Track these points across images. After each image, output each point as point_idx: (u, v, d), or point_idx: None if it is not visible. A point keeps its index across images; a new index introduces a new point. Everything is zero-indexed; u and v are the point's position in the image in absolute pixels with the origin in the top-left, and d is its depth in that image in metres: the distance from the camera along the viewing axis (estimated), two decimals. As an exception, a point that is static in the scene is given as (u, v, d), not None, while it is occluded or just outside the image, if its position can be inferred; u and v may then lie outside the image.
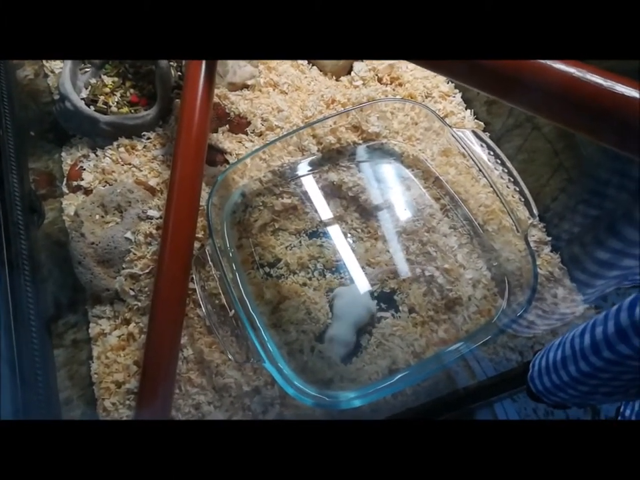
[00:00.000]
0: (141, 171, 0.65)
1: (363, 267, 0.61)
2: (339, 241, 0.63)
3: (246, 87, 0.73)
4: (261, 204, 0.64)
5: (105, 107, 0.68)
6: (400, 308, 0.59)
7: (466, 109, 0.72)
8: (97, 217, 0.59)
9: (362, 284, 0.60)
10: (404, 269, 0.61)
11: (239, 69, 0.71)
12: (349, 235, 0.64)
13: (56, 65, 0.76)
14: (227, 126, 0.69)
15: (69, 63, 0.67)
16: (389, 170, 0.67)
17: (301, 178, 0.66)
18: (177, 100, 0.70)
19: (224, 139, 0.68)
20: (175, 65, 0.72)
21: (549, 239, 0.62)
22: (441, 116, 0.66)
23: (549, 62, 0.33)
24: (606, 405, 0.55)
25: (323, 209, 0.65)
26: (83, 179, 0.65)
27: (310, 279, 0.61)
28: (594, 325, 0.28)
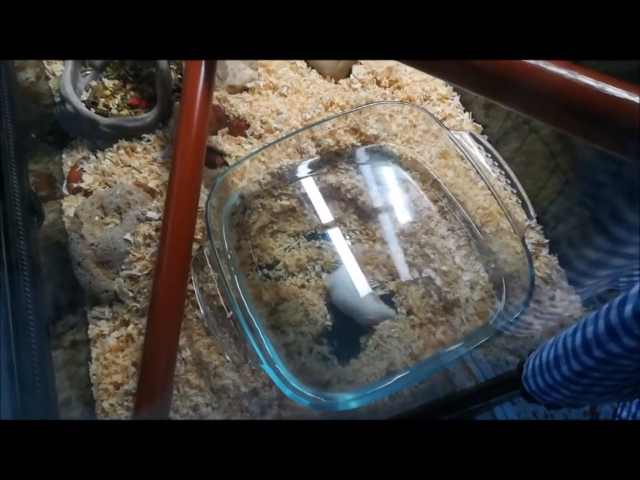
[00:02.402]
0: (141, 172, 0.65)
1: (361, 269, 0.61)
2: (338, 242, 0.63)
3: (245, 89, 0.73)
4: (259, 206, 0.65)
5: (106, 109, 0.69)
6: (398, 310, 0.59)
7: (464, 112, 0.72)
8: (97, 218, 0.59)
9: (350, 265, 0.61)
10: (402, 271, 0.61)
11: (238, 71, 0.72)
12: (347, 237, 0.64)
13: (57, 68, 0.76)
14: (227, 128, 0.69)
15: (69, 65, 0.67)
16: (387, 172, 0.68)
17: (300, 180, 0.67)
18: (177, 102, 0.70)
19: (223, 141, 0.68)
20: (175, 67, 0.73)
21: (547, 241, 0.62)
22: (439, 119, 0.66)
23: (541, 63, 0.33)
24: (604, 407, 0.55)
25: (322, 211, 0.65)
26: (82, 181, 0.65)
27: (308, 280, 0.61)
28: (585, 324, 0.29)
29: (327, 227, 0.64)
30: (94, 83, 0.71)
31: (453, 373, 0.57)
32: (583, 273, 0.53)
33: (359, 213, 0.65)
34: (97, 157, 0.68)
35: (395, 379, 0.50)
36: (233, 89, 0.72)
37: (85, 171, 0.66)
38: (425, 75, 0.74)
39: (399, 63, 0.67)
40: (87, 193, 0.65)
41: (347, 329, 0.58)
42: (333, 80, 0.76)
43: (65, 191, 0.67)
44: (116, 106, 0.70)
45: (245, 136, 0.69)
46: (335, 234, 0.64)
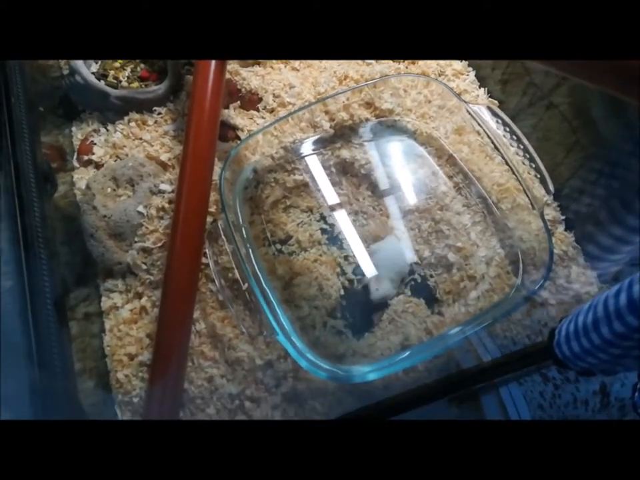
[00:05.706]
0: (152, 145, 0.64)
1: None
2: (350, 219, 0.63)
3: (257, 62, 0.72)
4: (272, 180, 0.64)
5: (116, 81, 0.67)
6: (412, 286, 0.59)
7: (479, 87, 0.71)
8: (109, 190, 0.59)
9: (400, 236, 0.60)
10: (416, 247, 0.61)
11: (250, 44, 0.71)
12: (360, 213, 0.63)
13: (65, 39, 0.75)
14: (239, 102, 0.68)
15: (79, 36, 0.66)
16: (401, 147, 0.67)
17: (313, 155, 0.66)
18: (188, 75, 0.69)
19: (235, 115, 0.67)
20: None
21: (563, 217, 0.61)
22: (455, 93, 0.65)
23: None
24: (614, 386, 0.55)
25: (335, 187, 0.64)
26: (93, 154, 0.64)
27: (321, 255, 0.61)
28: (630, 283, 0.28)
29: (340, 202, 0.64)
30: (103, 55, 0.70)
31: (467, 349, 0.56)
32: (606, 248, 0.52)
33: (372, 188, 0.65)
34: (107, 130, 0.67)
35: (412, 351, 0.50)
36: (245, 62, 0.71)
37: (95, 144, 0.65)
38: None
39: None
40: (97, 166, 0.64)
41: (361, 303, 0.58)
42: (346, 54, 0.75)
43: (76, 164, 0.66)
44: (126, 78, 0.69)
45: (257, 110, 0.68)
46: (347, 210, 0.63)
